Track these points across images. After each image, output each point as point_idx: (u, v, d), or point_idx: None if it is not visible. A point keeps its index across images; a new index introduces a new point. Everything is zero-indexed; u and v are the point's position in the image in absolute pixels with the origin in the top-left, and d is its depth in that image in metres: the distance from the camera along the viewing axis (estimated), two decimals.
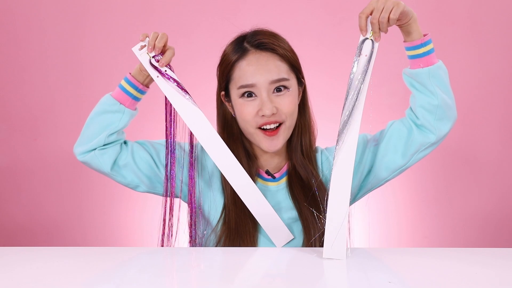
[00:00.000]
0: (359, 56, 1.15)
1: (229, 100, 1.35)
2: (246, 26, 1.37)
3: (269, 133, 1.31)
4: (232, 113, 1.36)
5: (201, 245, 1.34)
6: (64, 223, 2.36)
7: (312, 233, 1.29)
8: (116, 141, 1.32)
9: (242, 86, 1.30)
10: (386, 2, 1.15)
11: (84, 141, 1.32)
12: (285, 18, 2.30)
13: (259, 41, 1.31)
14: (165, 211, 1.30)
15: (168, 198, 1.31)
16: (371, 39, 1.15)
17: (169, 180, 1.31)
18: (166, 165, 1.30)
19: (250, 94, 1.30)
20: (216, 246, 1.32)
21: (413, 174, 2.35)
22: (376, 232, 2.33)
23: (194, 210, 1.31)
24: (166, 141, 1.30)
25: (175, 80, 1.25)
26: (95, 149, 1.31)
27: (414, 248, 2.28)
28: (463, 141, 2.35)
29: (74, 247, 1.27)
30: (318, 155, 1.40)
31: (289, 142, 1.37)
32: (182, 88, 1.26)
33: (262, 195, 1.27)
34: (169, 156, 1.30)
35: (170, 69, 1.26)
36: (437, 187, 2.38)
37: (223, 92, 1.36)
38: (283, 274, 1.07)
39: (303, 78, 1.37)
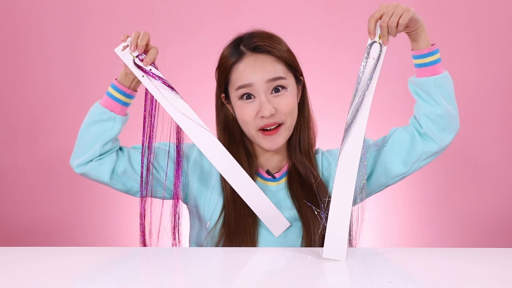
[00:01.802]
0: (367, 58, 1.15)
1: (229, 102, 1.36)
2: (246, 26, 1.37)
3: (269, 133, 1.31)
4: (234, 115, 1.36)
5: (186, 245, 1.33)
6: (64, 223, 2.36)
7: (312, 231, 1.30)
8: (111, 149, 1.31)
9: (239, 87, 1.30)
10: (396, 8, 1.16)
11: (80, 153, 1.31)
12: (285, 18, 2.30)
13: (255, 44, 1.31)
14: (142, 211, 1.28)
15: (144, 199, 1.29)
16: (379, 43, 1.16)
17: (145, 182, 1.28)
18: (142, 167, 1.28)
19: (249, 96, 1.30)
20: (215, 246, 1.32)
21: (413, 174, 2.35)
22: (376, 232, 2.33)
23: (177, 209, 1.29)
24: (143, 142, 1.28)
25: (160, 78, 1.24)
26: (91, 160, 1.30)
27: (414, 248, 2.28)
28: (463, 141, 2.35)
29: (74, 247, 1.27)
30: (319, 156, 1.41)
31: (289, 141, 1.38)
32: (169, 86, 1.24)
33: (255, 184, 1.26)
34: (145, 159, 1.28)
35: (154, 67, 1.24)
36: (437, 187, 2.38)
37: (223, 94, 1.37)
38: (282, 274, 1.06)
39: (301, 76, 1.37)
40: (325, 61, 2.27)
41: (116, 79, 1.29)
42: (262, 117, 1.29)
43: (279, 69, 1.30)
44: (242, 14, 2.33)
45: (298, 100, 1.37)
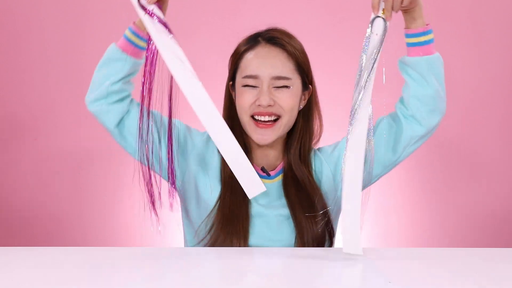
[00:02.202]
0: (370, 34, 1.14)
1: (234, 89, 1.37)
2: (246, 26, 1.37)
3: (263, 125, 1.31)
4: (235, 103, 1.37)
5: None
6: (64, 223, 2.36)
7: (305, 234, 1.30)
8: (122, 91, 1.31)
9: (246, 76, 1.32)
10: None
11: (92, 89, 1.33)
12: (285, 18, 2.29)
13: (271, 35, 1.34)
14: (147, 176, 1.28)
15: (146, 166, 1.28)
16: (382, 18, 1.14)
17: (141, 148, 1.27)
18: (140, 129, 1.26)
19: (252, 86, 1.31)
20: (208, 232, 1.31)
21: (413, 174, 2.35)
22: (376, 232, 2.33)
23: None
24: (142, 98, 1.24)
25: (161, 20, 1.23)
26: (101, 99, 1.31)
27: (414, 248, 2.28)
28: (463, 141, 2.35)
29: (74, 247, 1.27)
30: (311, 156, 1.40)
31: (289, 142, 1.38)
32: (169, 29, 1.23)
33: (238, 144, 1.19)
34: (143, 124, 1.26)
35: (158, 9, 1.23)
36: (437, 187, 2.38)
37: (231, 82, 1.38)
38: (282, 274, 1.06)
39: (310, 83, 1.37)
40: (325, 61, 2.27)
41: (134, 22, 1.30)
42: (259, 105, 1.30)
43: (287, 68, 1.31)
44: (242, 14, 2.33)
45: (303, 105, 1.37)
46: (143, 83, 1.24)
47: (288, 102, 1.31)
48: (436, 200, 2.38)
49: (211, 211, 1.32)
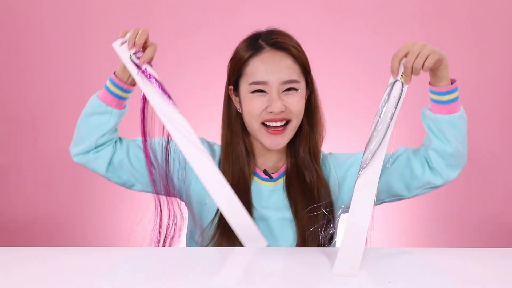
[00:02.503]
0: (388, 98, 1.13)
1: (237, 95, 1.35)
2: (246, 26, 1.37)
3: (274, 132, 1.31)
4: (238, 108, 1.36)
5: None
6: (64, 223, 2.36)
7: (307, 234, 1.29)
8: (109, 141, 1.31)
9: (254, 83, 1.30)
10: (423, 48, 1.13)
11: (77, 143, 1.31)
12: (285, 18, 2.29)
13: (275, 40, 1.31)
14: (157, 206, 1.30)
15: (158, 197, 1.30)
16: (402, 81, 1.13)
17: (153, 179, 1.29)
18: (150, 163, 1.28)
19: (260, 91, 1.30)
20: (212, 238, 1.30)
21: None
22: (376, 232, 2.33)
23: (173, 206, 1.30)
24: (143, 140, 1.27)
25: (155, 79, 1.22)
26: (89, 151, 1.30)
27: (414, 248, 2.28)
28: None
29: (74, 247, 1.27)
30: (320, 158, 1.39)
31: (293, 143, 1.37)
32: (163, 89, 1.22)
33: (239, 202, 1.21)
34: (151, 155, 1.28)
35: (150, 66, 1.22)
36: (496, 189, 2.37)
37: (231, 87, 1.36)
38: (280, 274, 1.06)
39: (311, 82, 1.37)
40: (325, 61, 2.27)
41: (114, 73, 1.28)
42: (271, 112, 1.29)
43: (294, 71, 1.31)
44: (242, 14, 2.32)
45: (307, 104, 1.36)
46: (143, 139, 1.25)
47: (298, 106, 1.31)
48: (436, 200, 2.37)
49: (214, 216, 1.31)
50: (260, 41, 1.32)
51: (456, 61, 2.28)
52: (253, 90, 1.30)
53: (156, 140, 1.30)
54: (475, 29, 2.34)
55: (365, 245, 1.11)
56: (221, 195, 1.21)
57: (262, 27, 1.37)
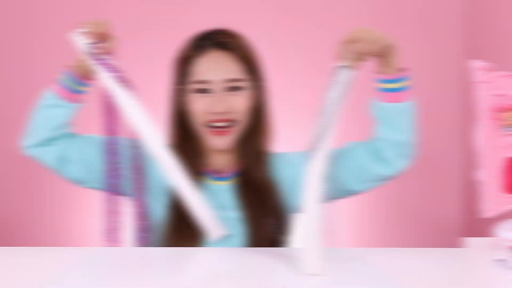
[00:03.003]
0: (334, 83, 1.09)
1: (182, 95, 1.34)
2: (204, 25, 1.36)
3: (219, 133, 1.31)
4: (184, 108, 1.34)
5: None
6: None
7: (258, 236, 1.29)
8: (62, 135, 1.29)
9: (197, 81, 1.30)
10: (369, 33, 1.11)
11: (30, 135, 1.29)
12: (238, 17, 2.25)
13: (219, 40, 1.32)
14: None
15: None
16: (348, 67, 1.09)
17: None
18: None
19: (204, 91, 1.30)
20: (163, 238, 1.30)
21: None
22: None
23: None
24: (101, 135, 1.25)
25: (115, 70, 1.19)
26: (40, 144, 1.28)
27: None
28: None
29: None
30: (270, 158, 1.38)
31: (243, 143, 1.36)
32: (123, 79, 1.19)
33: (197, 191, 1.23)
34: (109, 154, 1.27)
35: (110, 57, 1.19)
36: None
37: (176, 86, 1.35)
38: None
39: (260, 80, 1.36)
40: (278, 60, 2.20)
41: (70, 66, 1.26)
42: (214, 112, 1.29)
43: (239, 70, 1.31)
44: (199, 14, 2.27)
45: (254, 103, 1.35)
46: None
47: (243, 105, 1.31)
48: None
49: (164, 219, 1.30)
50: (204, 41, 1.33)
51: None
52: (197, 89, 1.30)
53: (111, 136, 1.27)
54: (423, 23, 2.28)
55: (329, 244, 1.08)
56: (184, 183, 1.21)
57: (227, 25, 1.36)
